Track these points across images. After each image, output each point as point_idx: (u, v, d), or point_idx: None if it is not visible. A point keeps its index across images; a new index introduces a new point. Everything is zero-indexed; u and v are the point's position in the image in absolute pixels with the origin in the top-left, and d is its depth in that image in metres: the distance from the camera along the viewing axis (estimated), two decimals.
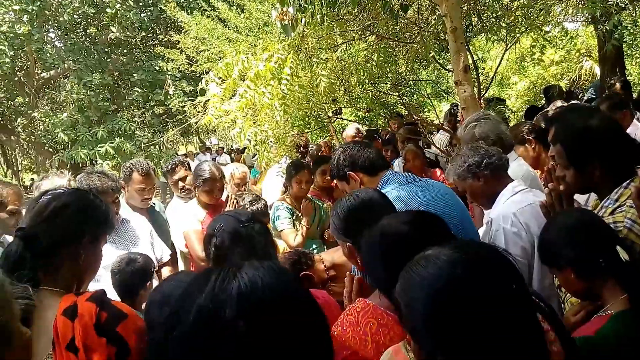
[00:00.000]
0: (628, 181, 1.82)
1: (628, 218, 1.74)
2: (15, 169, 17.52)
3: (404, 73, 6.13)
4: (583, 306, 1.72)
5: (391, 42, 4.93)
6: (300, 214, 3.98)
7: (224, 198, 3.92)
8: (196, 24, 7.61)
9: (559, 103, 6.49)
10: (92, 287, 1.68)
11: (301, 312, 0.76)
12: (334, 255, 2.63)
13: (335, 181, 2.82)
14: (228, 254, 1.82)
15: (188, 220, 3.69)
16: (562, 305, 1.96)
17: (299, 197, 4.05)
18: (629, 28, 8.61)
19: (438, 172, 5.05)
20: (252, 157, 5.17)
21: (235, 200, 3.69)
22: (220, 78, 4.07)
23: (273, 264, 0.80)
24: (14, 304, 1.19)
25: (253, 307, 0.71)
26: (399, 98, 6.64)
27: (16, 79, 13.22)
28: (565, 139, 1.93)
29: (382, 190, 2.29)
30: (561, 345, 1.09)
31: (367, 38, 4.89)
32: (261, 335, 0.69)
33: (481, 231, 2.61)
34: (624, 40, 8.91)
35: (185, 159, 4.51)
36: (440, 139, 6.18)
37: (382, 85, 5.67)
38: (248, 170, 4.63)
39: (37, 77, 12.98)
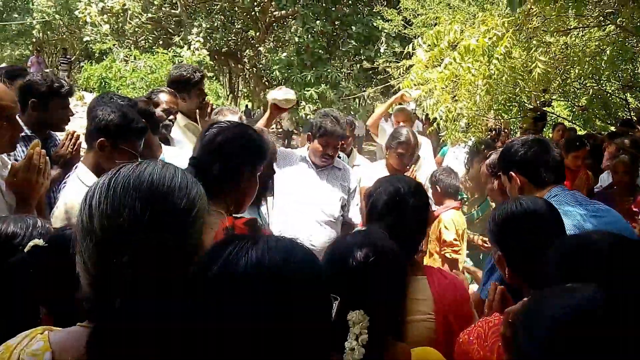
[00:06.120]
0: None
1: None
2: (235, 94, 19.80)
3: None
4: None
5: (632, 37, 4.24)
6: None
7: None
8: None
9: None
10: None
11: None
12: None
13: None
14: (380, 216, 1.84)
15: (368, 178, 3.77)
16: None
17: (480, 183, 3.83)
18: None
19: None
20: (441, 133, 4.97)
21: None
22: (429, 45, 3.97)
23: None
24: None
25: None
26: (626, 102, 5.80)
27: (253, 13, 14.68)
28: None
29: None
30: None
31: (605, 27, 4.27)
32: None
33: None
34: None
35: None
36: None
37: (609, 84, 4.97)
38: (423, 143, 4.40)
39: (269, 15, 14.22)
